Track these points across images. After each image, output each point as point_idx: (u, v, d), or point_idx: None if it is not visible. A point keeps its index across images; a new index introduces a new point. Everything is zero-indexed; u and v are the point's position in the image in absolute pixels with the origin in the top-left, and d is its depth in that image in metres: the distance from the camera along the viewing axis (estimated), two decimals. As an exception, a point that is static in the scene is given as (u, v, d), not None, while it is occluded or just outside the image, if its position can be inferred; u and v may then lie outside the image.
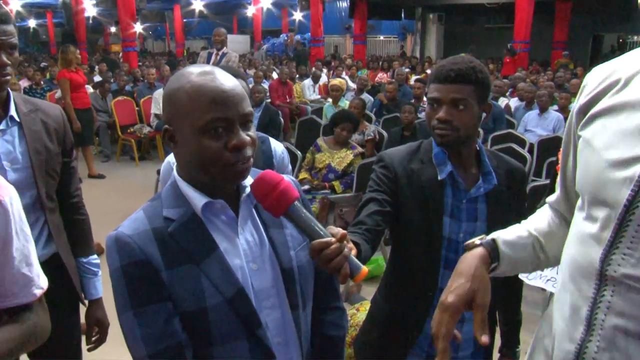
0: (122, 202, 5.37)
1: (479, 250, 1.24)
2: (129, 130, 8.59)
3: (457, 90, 1.63)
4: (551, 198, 1.36)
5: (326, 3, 18.86)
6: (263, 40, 24.61)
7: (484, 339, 1.10)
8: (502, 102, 8.06)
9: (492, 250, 1.25)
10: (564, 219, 1.31)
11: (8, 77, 1.69)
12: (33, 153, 1.79)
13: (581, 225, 1.09)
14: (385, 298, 1.89)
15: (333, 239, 1.08)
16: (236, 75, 2.08)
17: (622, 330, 0.99)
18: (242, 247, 1.22)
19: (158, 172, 6.31)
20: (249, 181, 1.22)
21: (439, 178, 1.69)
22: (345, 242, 1.09)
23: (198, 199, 1.18)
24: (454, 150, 1.71)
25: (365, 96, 8.27)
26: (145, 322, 1.13)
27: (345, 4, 24.08)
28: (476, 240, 1.28)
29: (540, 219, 1.37)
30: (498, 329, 1.92)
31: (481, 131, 6.15)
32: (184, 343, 1.16)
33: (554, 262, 1.32)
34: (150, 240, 1.15)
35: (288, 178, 1.32)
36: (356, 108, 5.97)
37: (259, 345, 1.20)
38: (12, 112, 1.77)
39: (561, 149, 1.25)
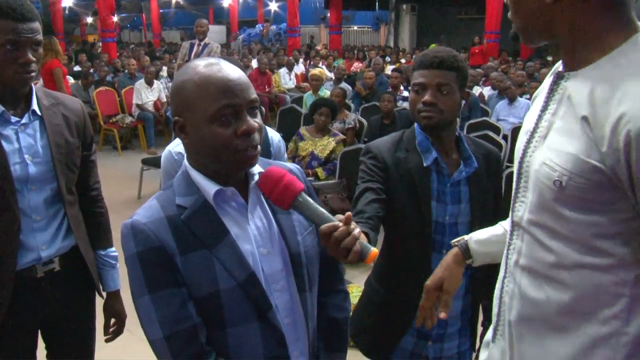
0: (106, 191, 5.30)
1: (454, 250, 1.54)
2: (111, 120, 8.48)
3: (441, 75, 1.71)
4: None
5: (302, -6, 18.74)
6: (239, 30, 24.39)
7: (442, 315, 1.46)
8: (476, 91, 8.15)
9: (464, 250, 1.52)
10: None
11: (33, 74, 1.67)
12: (54, 147, 1.76)
13: None
14: (379, 282, 1.92)
15: (340, 223, 1.11)
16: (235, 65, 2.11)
17: (519, 266, 1.19)
18: (252, 232, 1.25)
19: (143, 161, 6.30)
20: (257, 168, 1.25)
21: (425, 164, 1.75)
22: (352, 224, 1.12)
23: (209, 187, 1.20)
24: (436, 136, 1.77)
25: (344, 85, 8.30)
26: (161, 306, 1.16)
27: (320, -5, 23.99)
28: (454, 241, 1.56)
29: None
30: (481, 308, 1.97)
31: (458, 119, 6.22)
32: (199, 326, 1.18)
33: None
34: (165, 227, 1.17)
35: (294, 168, 1.36)
36: (338, 97, 6.01)
37: (269, 327, 1.23)
38: (35, 106, 1.75)
39: None
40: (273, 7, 25.39)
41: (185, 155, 1.28)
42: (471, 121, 6.33)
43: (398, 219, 1.78)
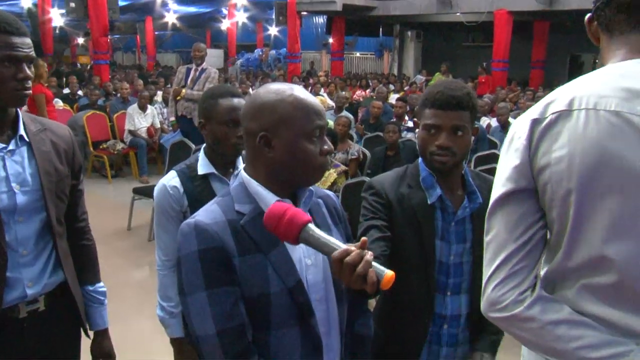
0: (94, 221, 5.26)
1: None
2: (101, 146, 8.51)
3: (457, 117, 1.71)
4: None
5: (302, 18, 18.99)
6: (237, 54, 24.65)
7: None
8: (484, 121, 8.20)
9: None
10: None
11: (30, 92, 1.66)
12: (43, 175, 1.73)
13: None
14: (379, 324, 1.89)
15: (352, 247, 1.16)
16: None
17: None
18: None
19: (134, 190, 6.28)
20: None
21: (429, 202, 1.76)
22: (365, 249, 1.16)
23: (270, 197, 1.36)
24: (445, 175, 1.77)
25: (345, 114, 8.34)
26: (217, 302, 1.28)
27: (321, 20, 24.29)
28: None
29: None
30: None
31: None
32: (247, 324, 1.31)
33: None
34: (226, 229, 1.32)
35: (331, 194, 1.60)
36: (344, 126, 6.01)
37: (309, 333, 1.37)
38: (22, 131, 1.72)
39: None
40: (273, 31, 25.69)
41: (242, 168, 1.44)
42: (479, 154, 6.34)
43: (400, 258, 1.76)
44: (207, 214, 1.35)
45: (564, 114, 1.11)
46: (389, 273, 1.14)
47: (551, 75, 16.86)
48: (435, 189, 1.76)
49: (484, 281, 1.22)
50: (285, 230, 1.19)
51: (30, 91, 1.66)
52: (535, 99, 9.63)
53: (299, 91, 1.38)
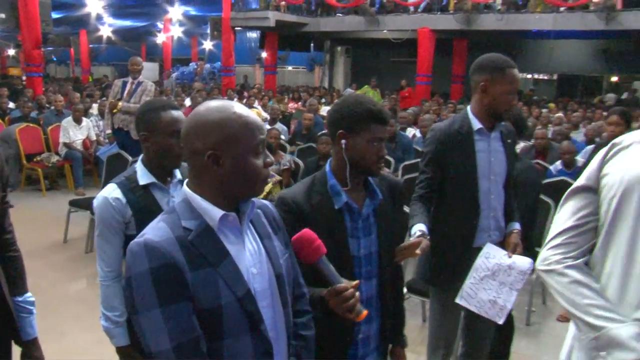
0: (29, 234, 5.04)
1: None
2: (35, 159, 8.16)
3: (388, 130, 1.83)
4: None
5: (237, 33, 18.92)
6: (172, 68, 24.27)
7: None
8: (409, 132, 8.39)
9: None
10: None
11: None
12: None
13: None
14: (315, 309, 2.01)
15: (349, 285, 1.51)
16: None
17: None
18: (246, 254, 1.42)
19: (70, 203, 6.05)
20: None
21: (336, 207, 1.92)
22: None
23: (215, 212, 1.37)
24: (358, 178, 1.95)
25: (279, 126, 8.38)
26: (171, 317, 1.27)
27: (255, 35, 24.29)
28: None
29: None
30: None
31: (392, 160, 6.40)
32: (201, 337, 1.31)
33: None
34: (175, 246, 1.31)
35: (263, 203, 1.64)
36: (275, 138, 6.07)
37: (260, 338, 1.40)
38: None
39: None
40: (208, 45, 25.49)
41: (182, 180, 1.49)
42: (405, 163, 6.46)
43: None
44: (155, 231, 1.34)
45: (635, 143, 1.47)
46: (365, 312, 1.56)
47: (470, 89, 17.44)
48: (341, 195, 1.92)
49: (545, 243, 1.58)
50: (309, 253, 1.53)
51: None
52: (456, 111, 9.94)
53: (240, 108, 1.39)
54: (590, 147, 6.37)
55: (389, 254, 2.00)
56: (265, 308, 1.43)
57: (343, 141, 1.88)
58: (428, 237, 2.35)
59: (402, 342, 2.18)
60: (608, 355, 1.38)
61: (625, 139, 1.49)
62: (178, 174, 2.21)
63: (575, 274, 1.48)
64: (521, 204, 2.87)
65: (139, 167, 2.17)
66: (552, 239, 1.55)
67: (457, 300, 2.53)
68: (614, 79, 21.64)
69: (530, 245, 3.16)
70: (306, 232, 1.48)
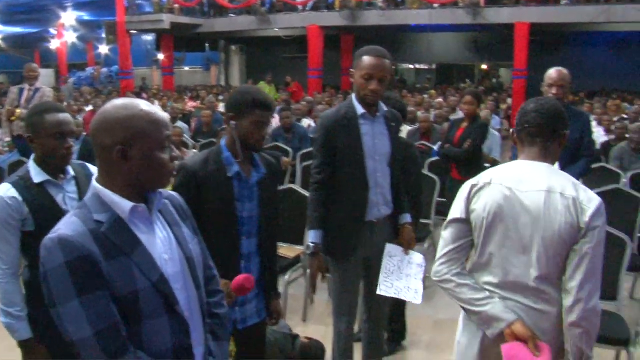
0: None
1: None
2: None
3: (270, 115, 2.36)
4: None
5: (132, 37, 18.57)
6: (69, 73, 23.31)
7: None
8: (305, 122, 8.74)
9: None
10: None
11: None
12: None
13: None
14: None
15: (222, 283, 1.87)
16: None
17: None
18: (157, 241, 1.48)
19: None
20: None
21: (228, 175, 2.26)
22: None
23: (125, 204, 1.41)
24: (246, 152, 2.29)
25: (180, 124, 8.50)
26: (90, 306, 1.31)
27: (151, 38, 23.85)
28: None
29: None
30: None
31: (290, 150, 6.69)
32: (120, 322, 1.36)
33: None
34: (89, 238, 1.34)
35: (170, 194, 1.68)
36: (178, 135, 6.33)
37: (177, 318, 1.46)
38: None
39: None
40: (104, 50, 24.64)
41: (94, 178, 1.47)
42: (303, 151, 6.67)
43: (211, 216, 2.24)
44: (68, 226, 1.36)
45: (487, 184, 1.97)
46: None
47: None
48: (233, 165, 2.26)
49: (436, 260, 2.07)
50: (244, 292, 2.13)
51: None
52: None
53: (146, 105, 1.43)
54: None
55: (268, 218, 2.37)
56: (179, 290, 1.48)
57: (232, 122, 2.25)
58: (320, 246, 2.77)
59: (277, 292, 2.53)
60: (490, 327, 1.93)
61: (479, 181, 2.00)
62: (71, 170, 2.27)
63: (459, 280, 1.99)
64: (408, 178, 3.18)
65: (31, 166, 2.21)
66: (440, 257, 2.04)
67: (378, 292, 2.76)
68: (484, 67, 23.41)
69: (418, 214, 3.49)
70: (248, 279, 2.13)
